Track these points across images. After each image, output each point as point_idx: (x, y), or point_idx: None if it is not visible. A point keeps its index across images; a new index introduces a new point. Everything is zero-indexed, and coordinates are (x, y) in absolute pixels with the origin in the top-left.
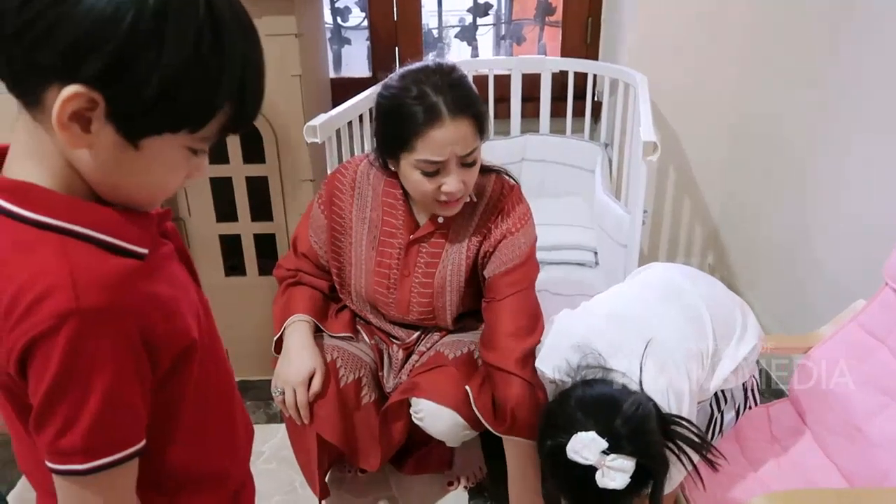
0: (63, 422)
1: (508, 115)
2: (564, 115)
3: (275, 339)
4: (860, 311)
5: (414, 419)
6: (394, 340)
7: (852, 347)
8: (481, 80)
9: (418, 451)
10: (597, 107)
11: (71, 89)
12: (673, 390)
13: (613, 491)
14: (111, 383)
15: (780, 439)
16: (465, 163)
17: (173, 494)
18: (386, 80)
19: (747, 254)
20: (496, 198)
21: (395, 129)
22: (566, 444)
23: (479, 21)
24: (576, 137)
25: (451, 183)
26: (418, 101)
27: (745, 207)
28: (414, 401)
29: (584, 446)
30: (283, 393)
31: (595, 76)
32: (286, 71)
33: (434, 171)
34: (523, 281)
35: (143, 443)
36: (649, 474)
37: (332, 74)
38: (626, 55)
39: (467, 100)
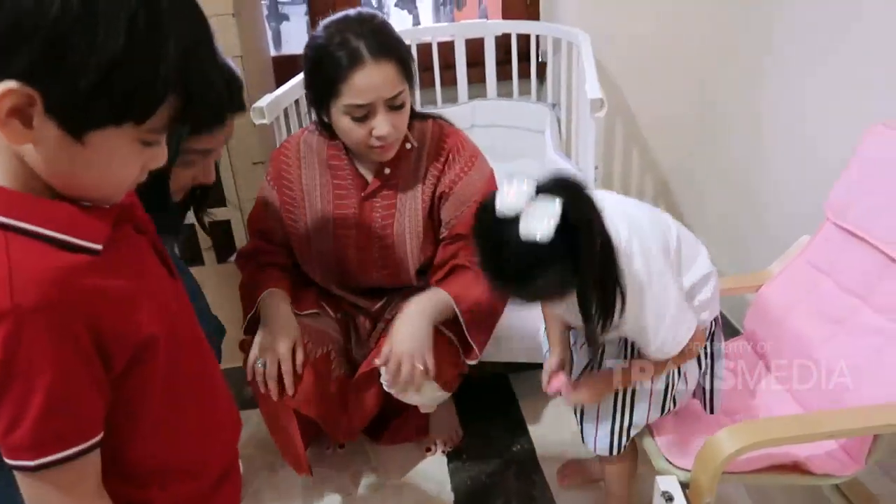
0: (9, 419)
1: (455, 83)
2: (510, 79)
3: (247, 318)
4: (805, 247)
5: (385, 386)
6: (360, 311)
7: (800, 281)
8: (424, 49)
9: (393, 422)
10: (541, 67)
11: (4, 85)
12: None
13: (537, 271)
14: (53, 381)
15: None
16: (393, 105)
17: (144, 486)
18: (312, 33)
19: (697, 201)
20: (437, 140)
21: (322, 77)
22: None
23: None
24: (523, 100)
25: (381, 126)
26: (340, 47)
27: (693, 154)
28: (384, 369)
29: (513, 192)
30: (266, 365)
31: (538, 37)
32: (226, 52)
33: (362, 115)
34: None
35: (97, 437)
36: (576, 253)
37: (272, 53)
38: (568, 14)
39: (389, 43)
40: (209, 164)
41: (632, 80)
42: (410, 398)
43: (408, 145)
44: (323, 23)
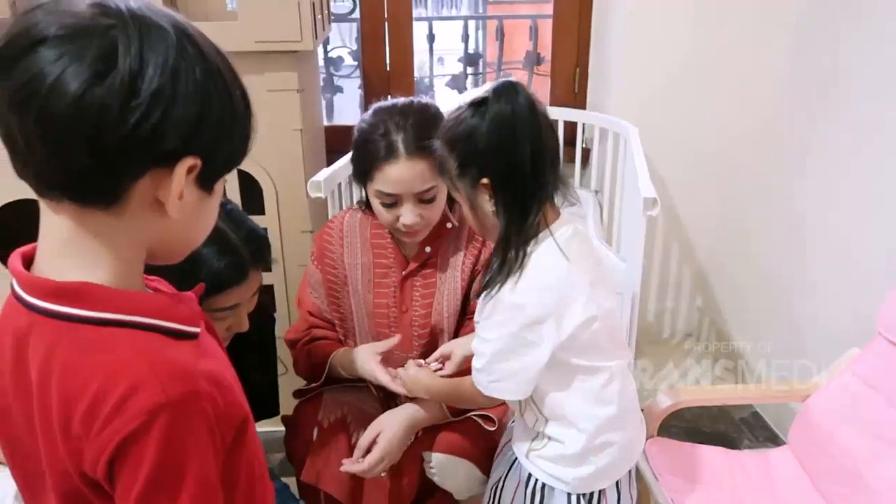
0: None
1: None
2: None
3: (309, 385)
4: (854, 360)
5: (427, 473)
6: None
7: (848, 395)
8: None
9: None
10: (585, 154)
11: (187, 162)
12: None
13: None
14: (201, 467)
15: (780, 487)
16: (423, 199)
17: None
18: (364, 114)
19: (737, 299)
20: None
21: (361, 160)
22: None
23: (470, 70)
24: None
25: (407, 216)
26: (381, 137)
27: (735, 252)
28: (427, 454)
29: None
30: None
31: (584, 124)
32: (288, 125)
33: (391, 202)
34: None
35: None
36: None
37: (325, 122)
38: (614, 104)
39: (428, 139)
40: (240, 314)
41: (675, 171)
42: (449, 483)
43: (448, 225)
44: (374, 106)
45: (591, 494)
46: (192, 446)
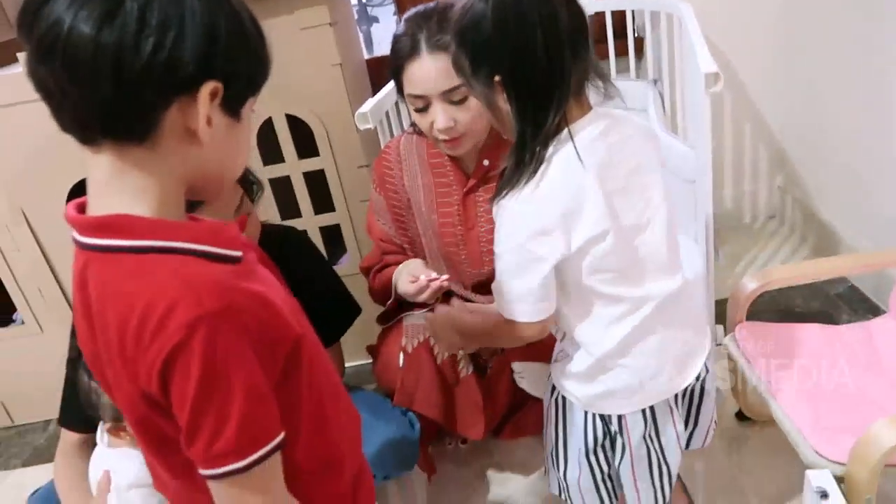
0: (214, 426)
1: None
2: (607, 57)
3: (385, 309)
4: None
5: (518, 382)
6: None
7: None
8: None
9: (514, 416)
10: (638, 43)
11: (209, 86)
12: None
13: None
14: (248, 377)
15: (887, 357)
16: (452, 100)
17: (299, 483)
18: None
19: (820, 172)
20: None
21: (392, 68)
22: None
23: None
24: (622, 78)
25: (439, 119)
26: (405, 37)
27: (812, 124)
28: (516, 364)
29: None
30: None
31: (633, 12)
32: (326, 61)
33: (422, 106)
34: None
35: (283, 434)
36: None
37: (365, 56)
38: None
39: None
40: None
41: (735, 49)
42: (539, 390)
43: (506, 136)
44: (405, 14)
45: (610, 417)
46: (236, 356)
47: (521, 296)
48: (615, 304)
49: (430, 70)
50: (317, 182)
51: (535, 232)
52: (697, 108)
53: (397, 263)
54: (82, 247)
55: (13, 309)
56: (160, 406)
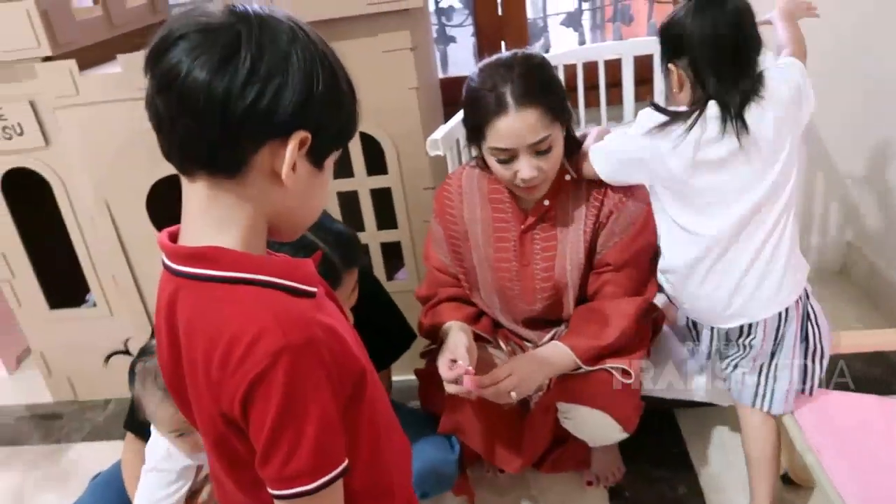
0: (288, 449)
1: (621, 101)
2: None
3: (426, 349)
4: None
5: (562, 422)
6: (527, 343)
7: None
8: (591, 67)
9: (556, 450)
10: None
11: (299, 135)
12: None
13: None
14: (322, 406)
15: None
16: (539, 150)
17: None
18: (471, 73)
19: (894, 230)
20: None
21: (472, 119)
22: None
23: (585, 5)
24: None
25: (524, 170)
26: (489, 92)
27: (889, 181)
28: (561, 404)
29: None
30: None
31: None
32: (404, 84)
33: (507, 158)
34: (635, 249)
35: (347, 461)
36: None
37: (439, 75)
38: None
39: (535, 89)
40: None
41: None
42: (583, 433)
43: (567, 177)
44: (480, 65)
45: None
46: (313, 387)
47: (609, 153)
48: (692, 241)
49: (519, 126)
50: (382, 198)
51: (645, 151)
52: None
53: (450, 299)
54: (173, 273)
55: (87, 290)
56: (237, 427)
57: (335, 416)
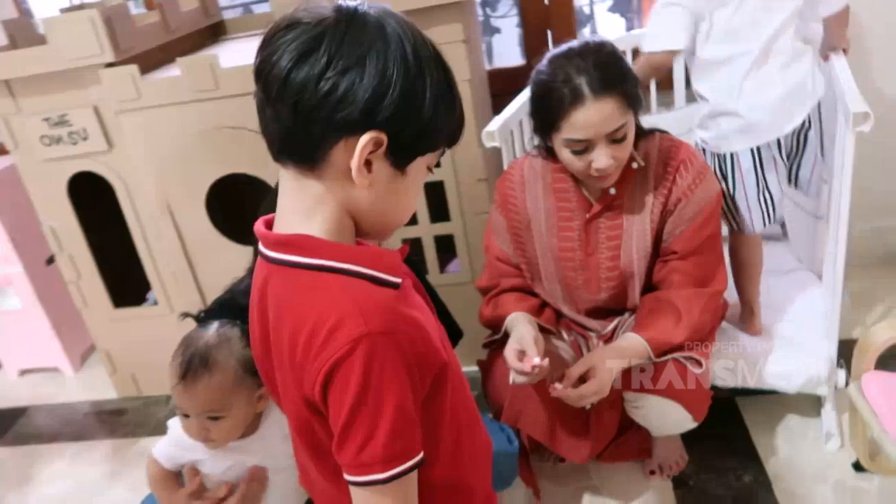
0: (364, 435)
1: (671, 87)
2: None
3: (487, 339)
4: None
5: (629, 412)
6: (591, 333)
7: None
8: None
9: (617, 439)
10: None
11: (371, 134)
12: None
13: None
14: (399, 396)
15: None
16: (614, 139)
17: (431, 503)
18: (537, 65)
19: None
20: (664, 156)
21: (544, 112)
22: None
23: None
24: None
25: (600, 160)
26: (563, 84)
27: None
28: (628, 394)
29: None
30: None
31: None
32: (457, 77)
33: (582, 149)
34: (703, 237)
35: (422, 454)
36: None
37: (486, 66)
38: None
39: (612, 77)
40: None
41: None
42: (651, 423)
43: (634, 164)
44: (548, 55)
45: (725, 155)
46: (391, 376)
47: (664, 25)
48: (730, 65)
49: (597, 116)
50: (435, 191)
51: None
52: (839, 144)
53: (513, 289)
54: (267, 259)
55: (148, 289)
56: (319, 412)
57: (412, 408)
